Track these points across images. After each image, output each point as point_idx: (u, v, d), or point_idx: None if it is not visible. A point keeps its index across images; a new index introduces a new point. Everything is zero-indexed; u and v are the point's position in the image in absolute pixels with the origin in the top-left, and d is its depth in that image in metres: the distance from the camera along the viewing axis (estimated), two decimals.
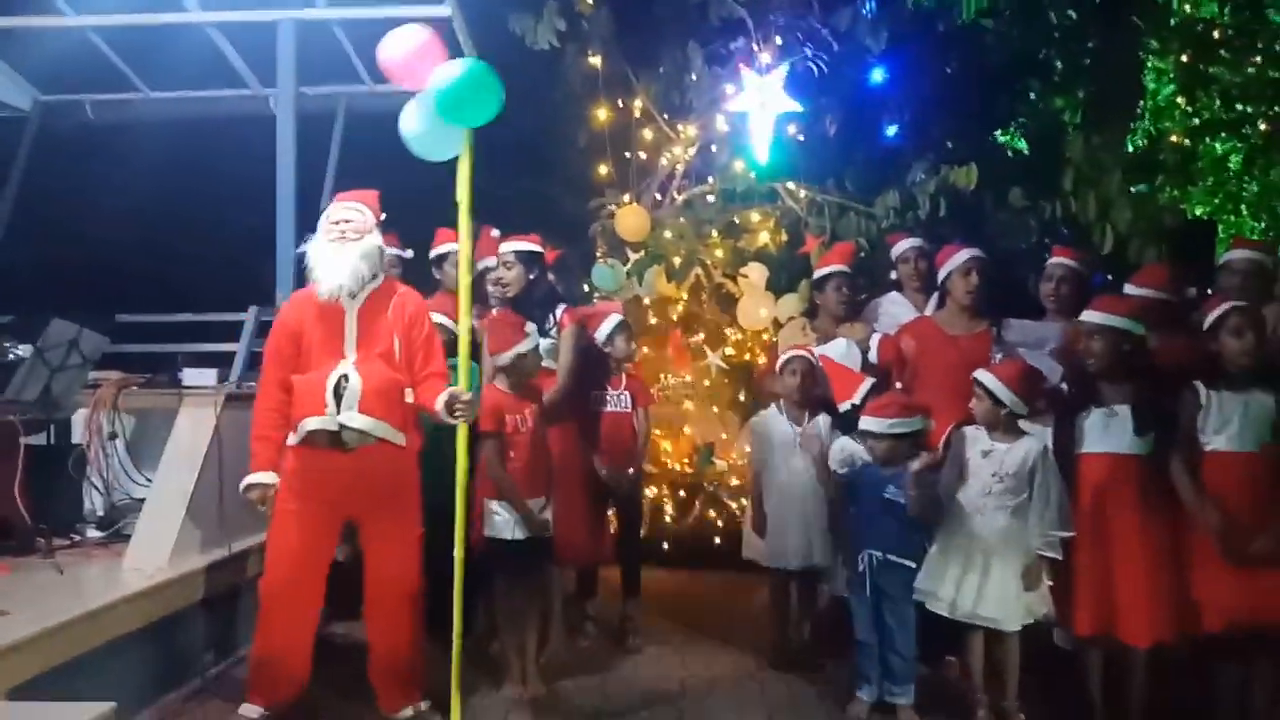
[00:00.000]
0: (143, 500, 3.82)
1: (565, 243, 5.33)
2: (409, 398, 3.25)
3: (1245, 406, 3.16)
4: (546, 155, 6.95)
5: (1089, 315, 3.38)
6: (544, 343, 3.96)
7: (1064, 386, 3.55)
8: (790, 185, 5.79)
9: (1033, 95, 6.90)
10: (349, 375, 3.13)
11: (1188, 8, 8.06)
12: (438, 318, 3.95)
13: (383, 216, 3.32)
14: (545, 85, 6.52)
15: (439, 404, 3.10)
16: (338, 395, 3.12)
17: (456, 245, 4.49)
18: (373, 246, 3.23)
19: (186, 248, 6.82)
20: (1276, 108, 7.90)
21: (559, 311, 4.13)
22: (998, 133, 6.86)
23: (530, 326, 3.64)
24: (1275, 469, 3.14)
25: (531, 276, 4.12)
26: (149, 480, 3.90)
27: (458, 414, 3.05)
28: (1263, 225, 7.89)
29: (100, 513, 4.06)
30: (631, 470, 4.21)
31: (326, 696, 3.43)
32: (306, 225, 3.39)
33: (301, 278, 3.37)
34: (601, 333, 4.22)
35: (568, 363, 4.10)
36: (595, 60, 6.01)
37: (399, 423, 3.20)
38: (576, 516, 4.01)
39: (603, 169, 6.04)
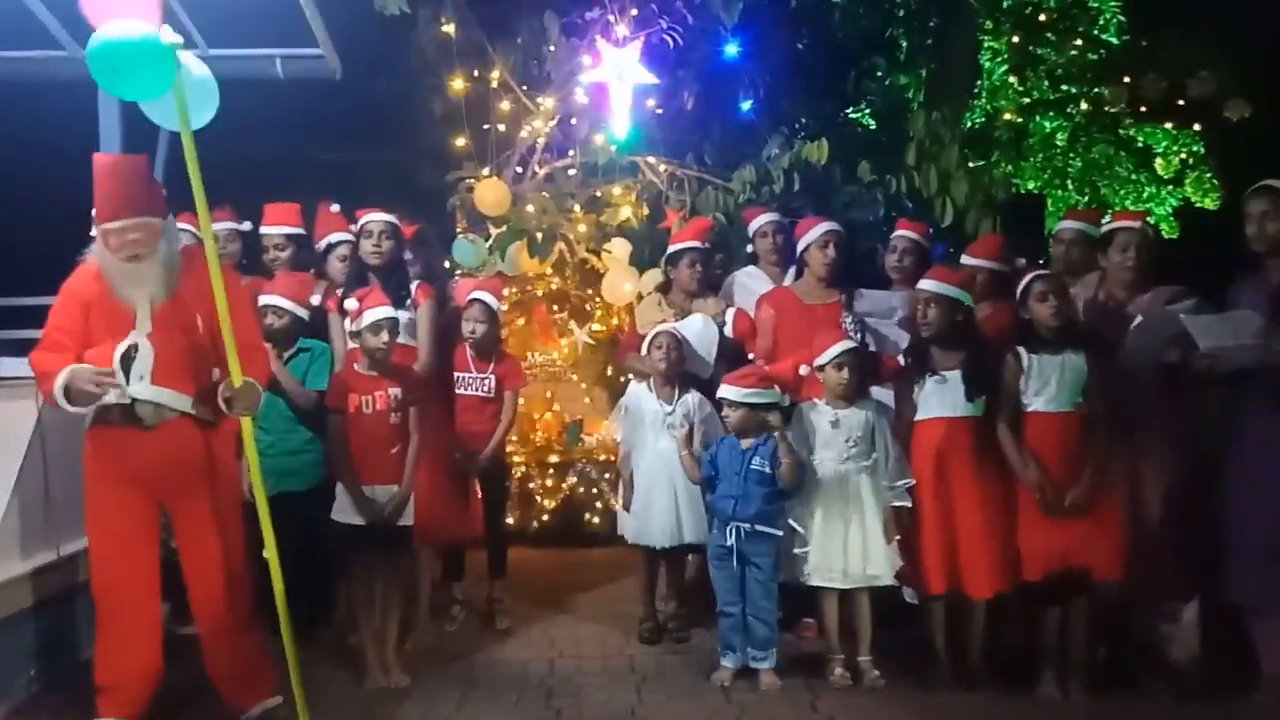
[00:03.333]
0: None
1: (423, 216, 5.18)
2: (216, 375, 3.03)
3: (1060, 369, 3.41)
4: (401, 125, 6.72)
5: (925, 284, 3.57)
6: (404, 316, 3.85)
7: (902, 357, 3.73)
8: (651, 159, 5.82)
9: (879, 73, 7.17)
10: (139, 345, 2.92)
11: None
12: (274, 299, 3.78)
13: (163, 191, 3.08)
14: (399, 53, 6.29)
15: (219, 398, 2.94)
16: (126, 366, 2.90)
17: (289, 228, 4.34)
18: (172, 254, 2.99)
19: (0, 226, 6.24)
20: (1096, 88, 8.51)
21: (413, 288, 4.04)
22: (848, 109, 7.09)
23: (351, 304, 3.53)
24: (1086, 427, 3.41)
25: (406, 253, 4.06)
26: None
27: (234, 408, 2.90)
28: (1086, 199, 8.51)
29: None
30: (483, 455, 4.12)
31: (179, 700, 3.24)
32: None
33: None
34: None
35: (426, 340, 4.02)
36: (449, 28, 5.83)
37: (202, 395, 2.99)
38: (440, 497, 3.93)
39: (460, 140, 5.89)
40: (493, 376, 4.17)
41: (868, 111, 7.28)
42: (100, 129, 4.42)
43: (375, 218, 4.04)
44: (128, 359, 2.90)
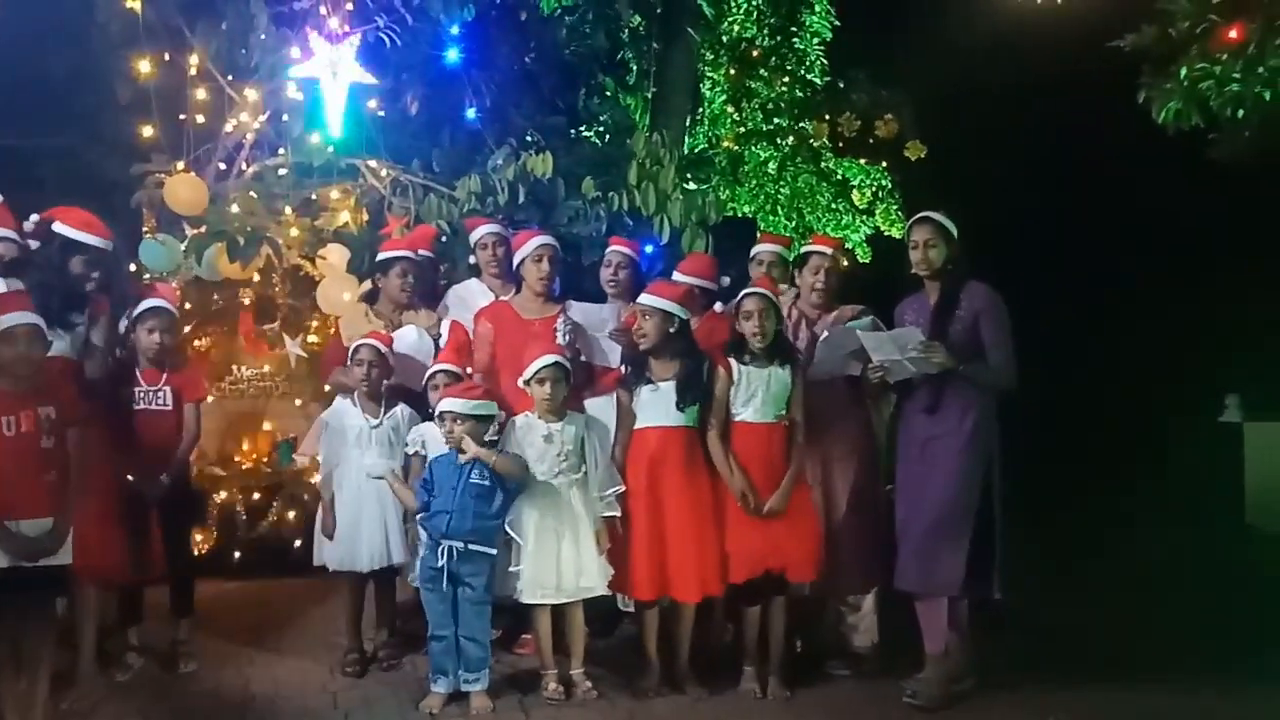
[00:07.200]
0: None
1: (104, 212, 4.59)
2: None
3: (767, 382, 3.61)
4: (79, 109, 5.94)
5: (644, 299, 3.66)
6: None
7: (623, 367, 3.79)
8: (372, 163, 5.55)
9: (608, 92, 7.36)
10: None
11: (736, 27, 9.18)
12: None
13: None
14: (79, 28, 5.58)
15: None
16: None
17: None
18: None
19: None
20: (802, 123, 9.31)
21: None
22: (579, 126, 7.21)
23: None
24: (786, 437, 3.64)
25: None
26: None
27: None
28: (794, 224, 9.27)
29: None
30: (164, 477, 3.72)
31: None
32: None
33: None
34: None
35: (100, 354, 3.58)
36: (136, 4, 5.23)
37: None
38: (111, 532, 3.51)
39: (148, 130, 5.28)
40: (167, 388, 3.77)
41: (599, 129, 7.45)
42: None
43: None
44: None
